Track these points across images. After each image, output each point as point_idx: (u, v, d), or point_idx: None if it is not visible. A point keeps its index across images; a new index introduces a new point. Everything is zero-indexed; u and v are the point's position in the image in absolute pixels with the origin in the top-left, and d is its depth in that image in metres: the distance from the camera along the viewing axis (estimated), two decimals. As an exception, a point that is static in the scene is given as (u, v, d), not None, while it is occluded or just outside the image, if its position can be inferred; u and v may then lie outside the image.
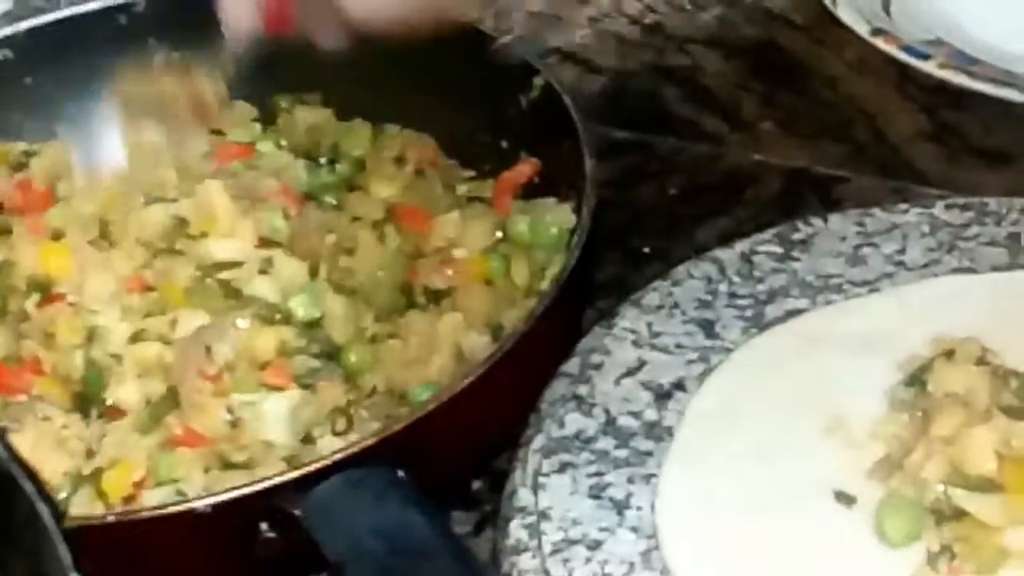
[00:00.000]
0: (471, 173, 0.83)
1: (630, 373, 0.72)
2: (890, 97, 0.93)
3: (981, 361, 0.66)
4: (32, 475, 0.44)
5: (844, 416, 0.68)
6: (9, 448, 0.45)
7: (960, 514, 0.62)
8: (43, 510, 0.43)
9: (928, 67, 0.89)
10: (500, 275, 0.77)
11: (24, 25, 0.89)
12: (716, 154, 0.90)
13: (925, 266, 0.75)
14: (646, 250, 0.85)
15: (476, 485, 0.73)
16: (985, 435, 0.63)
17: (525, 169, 0.81)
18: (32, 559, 0.44)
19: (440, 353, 0.73)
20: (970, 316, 0.70)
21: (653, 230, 0.86)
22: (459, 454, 0.69)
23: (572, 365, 0.73)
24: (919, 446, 0.64)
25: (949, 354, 0.67)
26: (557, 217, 0.78)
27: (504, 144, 0.82)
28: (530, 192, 0.81)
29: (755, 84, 0.95)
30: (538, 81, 0.81)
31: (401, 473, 0.63)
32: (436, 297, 0.77)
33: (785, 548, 0.63)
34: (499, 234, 0.79)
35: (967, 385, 0.65)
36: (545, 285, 0.74)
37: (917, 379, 0.67)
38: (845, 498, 0.65)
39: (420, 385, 0.72)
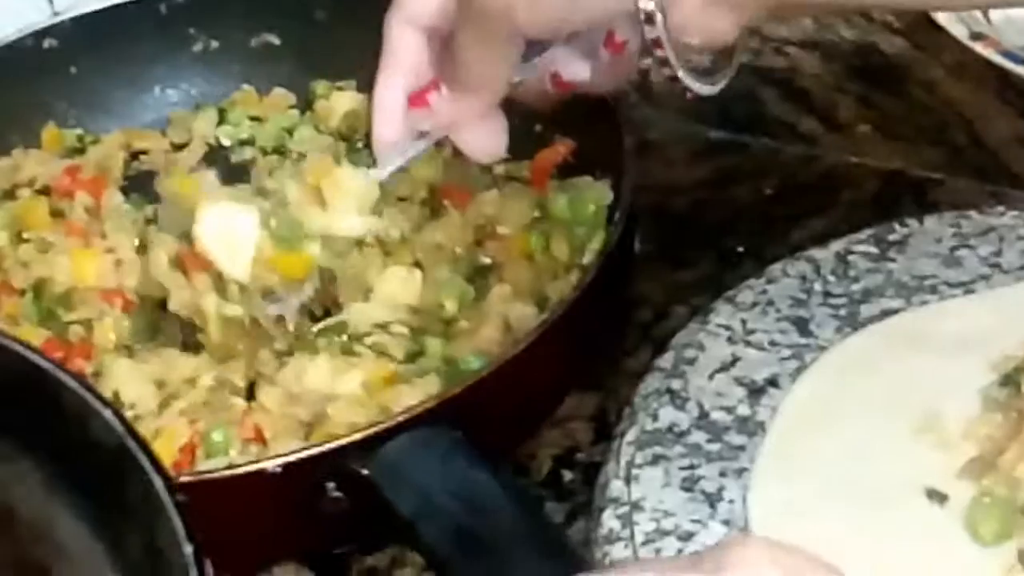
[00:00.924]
0: (506, 156, 0.85)
1: (724, 369, 0.73)
2: (988, 101, 0.93)
3: None
4: (147, 449, 0.46)
5: (937, 416, 0.68)
6: (124, 422, 0.46)
7: (1051, 514, 0.63)
8: (158, 483, 0.45)
9: (1027, 72, 0.89)
10: (541, 251, 0.79)
11: (70, 14, 0.92)
12: (812, 155, 0.91)
13: (1021, 268, 0.75)
14: (740, 249, 0.85)
15: (568, 476, 0.74)
16: None
17: (561, 149, 0.83)
18: (147, 532, 0.45)
19: (488, 325, 0.74)
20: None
21: (748, 230, 0.86)
22: (510, 419, 0.71)
23: (666, 360, 0.74)
24: (1012, 446, 0.64)
25: (1044, 355, 0.67)
26: (595, 194, 0.79)
27: (538, 128, 0.83)
28: (564, 174, 0.83)
29: (852, 86, 0.96)
30: None
31: (461, 434, 0.65)
32: (483, 273, 0.79)
33: (875, 545, 0.64)
34: (537, 213, 0.81)
35: None
36: (587, 260, 0.76)
37: (1011, 379, 0.68)
38: (937, 496, 0.65)
39: (471, 354, 0.73)
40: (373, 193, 0.73)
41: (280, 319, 0.74)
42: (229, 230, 0.71)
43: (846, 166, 0.90)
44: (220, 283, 0.72)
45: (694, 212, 0.89)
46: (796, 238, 0.85)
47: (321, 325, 0.74)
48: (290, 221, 0.72)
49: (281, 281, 0.72)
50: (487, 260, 0.80)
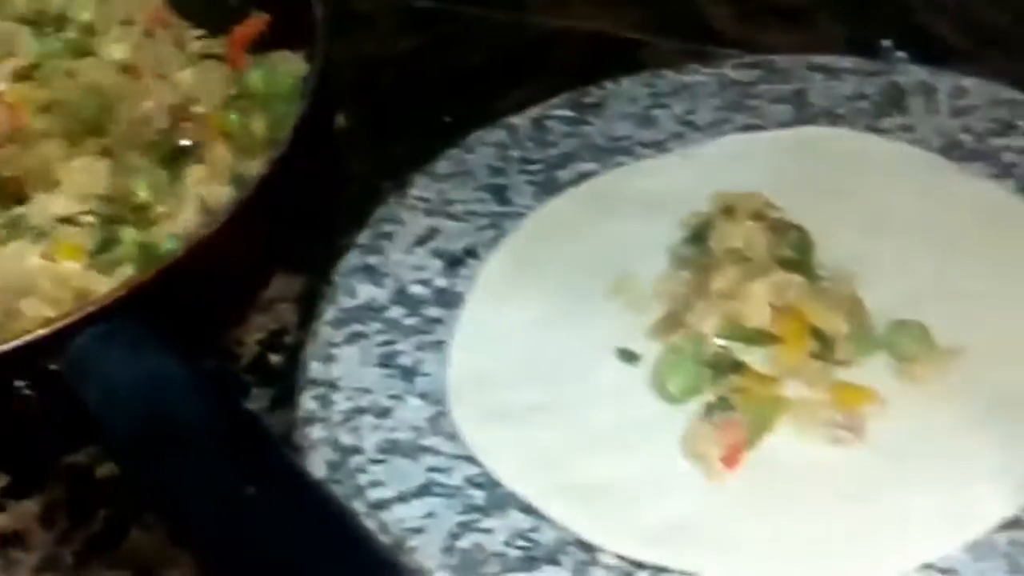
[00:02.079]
0: (202, 32, 0.83)
1: (422, 242, 0.72)
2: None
3: (760, 216, 0.67)
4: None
5: (630, 276, 0.68)
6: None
7: (738, 367, 0.63)
8: None
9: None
10: (240, 129, 0.77)
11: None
12: (518, 22, 0.90)
13: (713, 125, 0.75)
14: (449, 120, 0.84)
15: (275, 360, 0.73)
16: (760, 288, 0.64)
17: (256, 23, 0.81)
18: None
19: (186, 208, 0.73)
20: (755, 172, 0.71)
21: (457, 100, 0.85)
22: (211, 304, 0.70)
23: (364, 236, 0.73)
24: (699, 302, 0.65)
25: (729, 210, 0.68)
26: (290, 67, 0.78)
27: (233, 2, 0.82)
28: (265, 47, 0.81)
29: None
30: None
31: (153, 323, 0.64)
32: (180, 154, 0.76)
33: (569, 408, 0.64)
34: (234, 91, 0.79)
35: (746, 240, 0.66)
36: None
37: (699, 236, 0.68)
38: (628, 356, 0.65)
39: (168, 240, 0.72)
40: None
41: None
42: None
43: (553, 31, 0.89)
44: None
45: (402, 84, 0.87)
46: (505, 106, 0.84)
47: (1, 220, 0.72)
48: None
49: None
50: (185, 142, 0.78)
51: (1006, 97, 0.74)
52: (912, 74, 0.76)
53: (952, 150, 0.72)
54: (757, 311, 0.64)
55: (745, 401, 0.62)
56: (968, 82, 0.75)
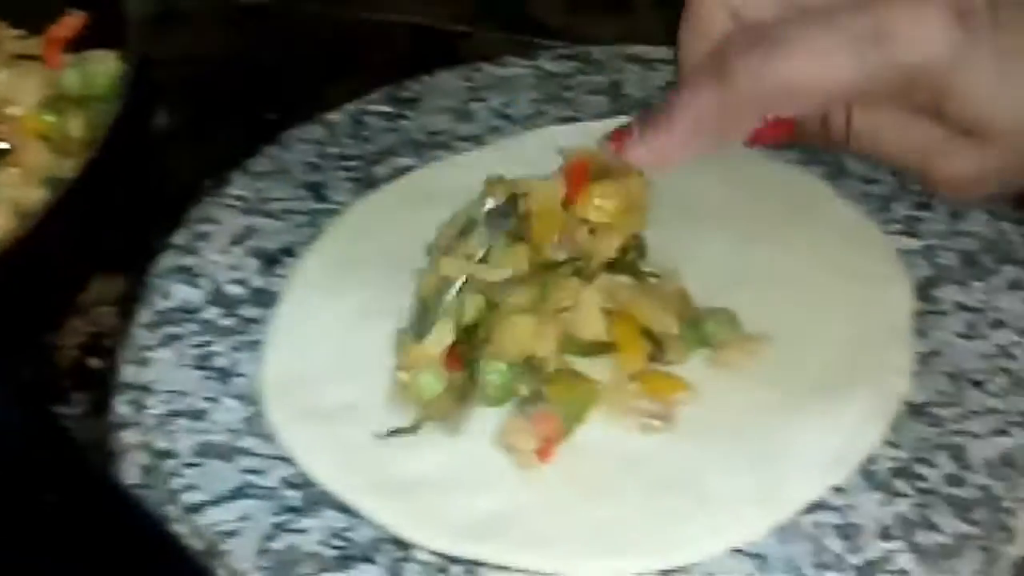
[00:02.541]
0: (20, 32, 0.81)
1: (238, 241, 0.71)
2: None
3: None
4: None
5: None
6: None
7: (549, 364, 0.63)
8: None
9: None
10: (56, 130, 0.76)
11: None
12: (339, 16, 0.89)
13: (530, 118, 0.76)
14: (272, 117, 0.84)
15: (95, 364, 0.72)
16: (591, 296, 0.63)
17: (72, 22, 0.80)
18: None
19: (1, 212, 0.72)
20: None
21: (278, 96, 0.85)
22: (25, 308, 0.69)
23: (180, 237, 0.72)
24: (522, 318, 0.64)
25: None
26: (106, 66, 0.77)
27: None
28: (82, 47, 0.80)
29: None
30: None
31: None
32: None
33: (384, 405, 0.64)
34: (51, 91, 0.78)
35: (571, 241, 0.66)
36: None
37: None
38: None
39: None
40: None
41: None
42: None
43: (375, 24, 0.89)
44: None
45: (224, 81, 0.87)
46: (328, 101, 0.83)
47: None
48: None
49: None
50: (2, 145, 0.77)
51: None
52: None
53: (762, 137, 0.73)
54: (591, 321, 0.63)
55: (557, 394, 0.62)
56: (779, 70, 0.76)
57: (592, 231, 0.66)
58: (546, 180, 0.65)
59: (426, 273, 0.65)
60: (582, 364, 0.63)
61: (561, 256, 0.64)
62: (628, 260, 0.66)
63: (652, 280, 0.65)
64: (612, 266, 0.65)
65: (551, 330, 0.63)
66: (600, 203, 0.64)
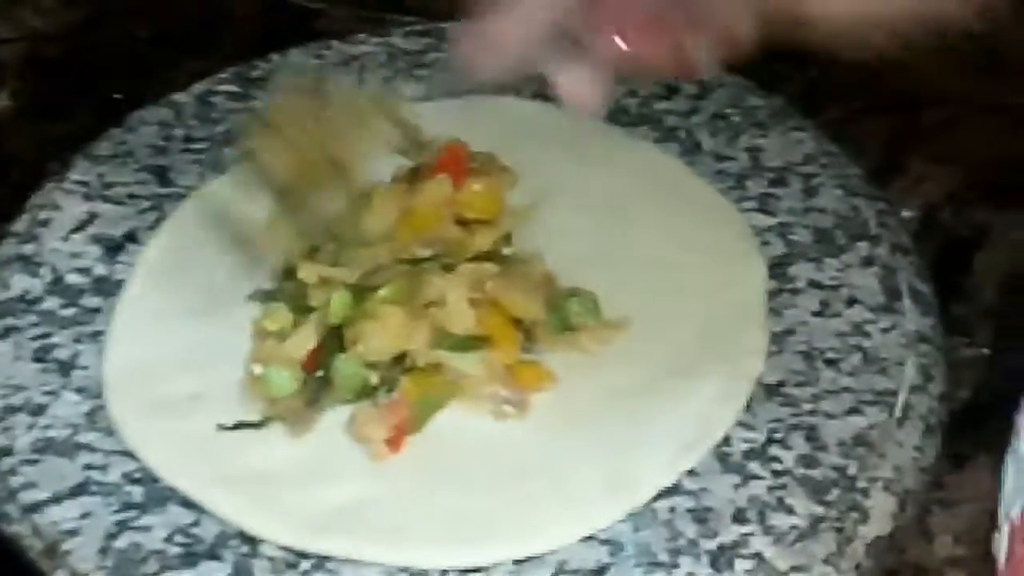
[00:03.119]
0: None
1: (80, 228, 0.69)
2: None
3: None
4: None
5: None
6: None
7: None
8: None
9: None
10: None
11: None
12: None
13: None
14: (118, 96, 0.81)
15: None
16: (458, 288, 0.62)
17: None
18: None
19: None
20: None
21: (126, 75, 0.82)
22: None
23: (20, 224, 0.70)
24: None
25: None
26: None
27: None
28: None
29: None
30: None
31: None
32: None
33: (229, 397, 0.62)
34: None
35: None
36: None
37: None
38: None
39: None
40: None
41: None
42: None
43: (229, 0, 0.86)
44: None
45: (68, 59, 0.84)
46: (178, 80, 0.81)
47: None
48: None
49: None
50: None
51: (671, 60, 0.74)
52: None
53: (617, 115, 0.72)
54: (460, 315, 0.61)
55: (411, 386, 0.61)
56: (634, 46, 0.75)
57: (463, 224, 0.65)
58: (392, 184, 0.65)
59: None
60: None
61: (426, 252, 0.63)
62: (494, 249, 0.65)
63: (516, 266, 0.64)
64: (477, 255, 0.64)
65: (421, 324, 0.61)
66: (478, 199, 0.64)
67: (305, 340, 0.61)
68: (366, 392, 0.61)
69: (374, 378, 0.61)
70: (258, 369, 0.61)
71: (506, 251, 0.65)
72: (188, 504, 0.59)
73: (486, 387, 0.61)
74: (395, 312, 0.61)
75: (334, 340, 0.61)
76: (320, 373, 0.61)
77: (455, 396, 0.61)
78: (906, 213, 0.72)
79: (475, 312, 0.62)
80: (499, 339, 0.62)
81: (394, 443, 0.60)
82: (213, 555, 0.57)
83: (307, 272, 0.62)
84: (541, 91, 0.73)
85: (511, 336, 0.62)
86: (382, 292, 0.61)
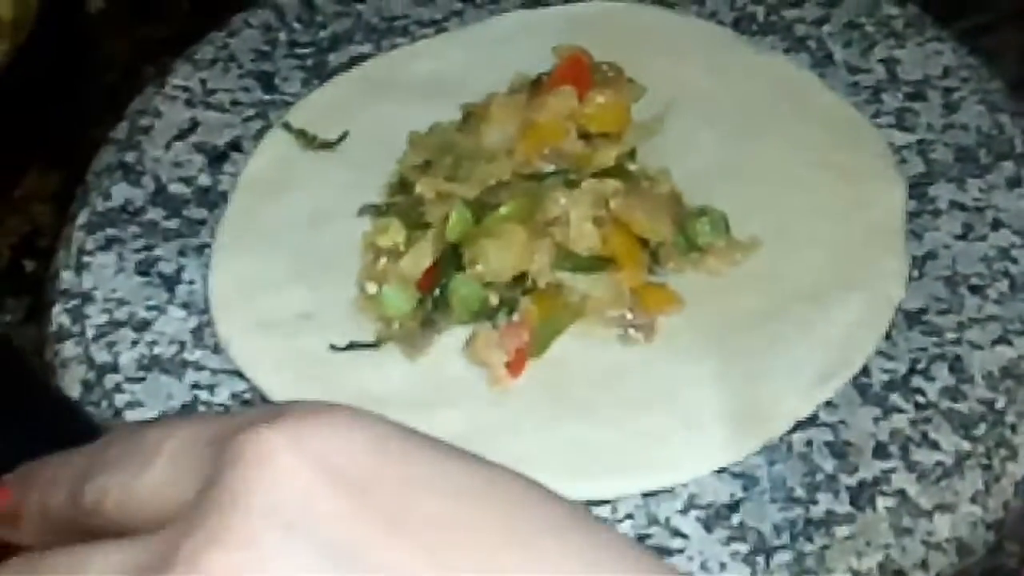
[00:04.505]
0: None
1: (182, 136, 0.66)
2: None
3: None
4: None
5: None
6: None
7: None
8: None
9: None
10: None
11: None
12: None
13: (495, 1, 0.70)
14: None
15: (30, 267, 0.68)
16: (583, 207, 0.58)
17: None
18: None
19: None
20: (540, 52, 0.66)
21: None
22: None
23: (120, 130, 0.67)
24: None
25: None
26: None
27: None
28: None
29: None
30: None
31: None
32: None
33: (341, 316, 0.59)
34: None
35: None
36: None
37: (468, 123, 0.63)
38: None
39: None
40: None
41: None
42: None
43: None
44: None
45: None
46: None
47: None
48: None
49: None
50: None
51: (800, -35, 0.71)
52: (703, -58, 0.72)
53: (744, 23, 0.68)
54: (584, 234, 0.58)
55: (533, 308, 0.58)
56: (761, -51, 0.71)
57: (586, 138, 0.62)
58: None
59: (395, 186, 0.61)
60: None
61: (548, 167, 0.60)
62: (619, 164, 0.61)
63: (643, 184, 0.61)
64: (601, 171, 0.61)
65: (543, 243, 0.58)
66: (602, 112, 0.61)
67: (421, 258, 0.59)
68: (485, 313, 0.58)
69: (493, 298, 0.58)
70: (372, 288, 0.59)
71: (631, 167, 0.61)
72: (300, 427, 0.56)
73: (611, 310, 0.58)
74: (516, 230, 0.58)
75: (451, 258, 0.58)
76: (436, 293, 0.58)
77: (578, 318, 0.58)
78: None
79: (599, 231, 0.59)
80: (624, 260, 0.59)
81: (515, 367, 0.57)
82: (326, 481, 0.55)
83: (425, 186, 0.59)
84: (662, -3, 0.70)
85: (637, 257, 0.59)
86: (503, 210, 0.58)
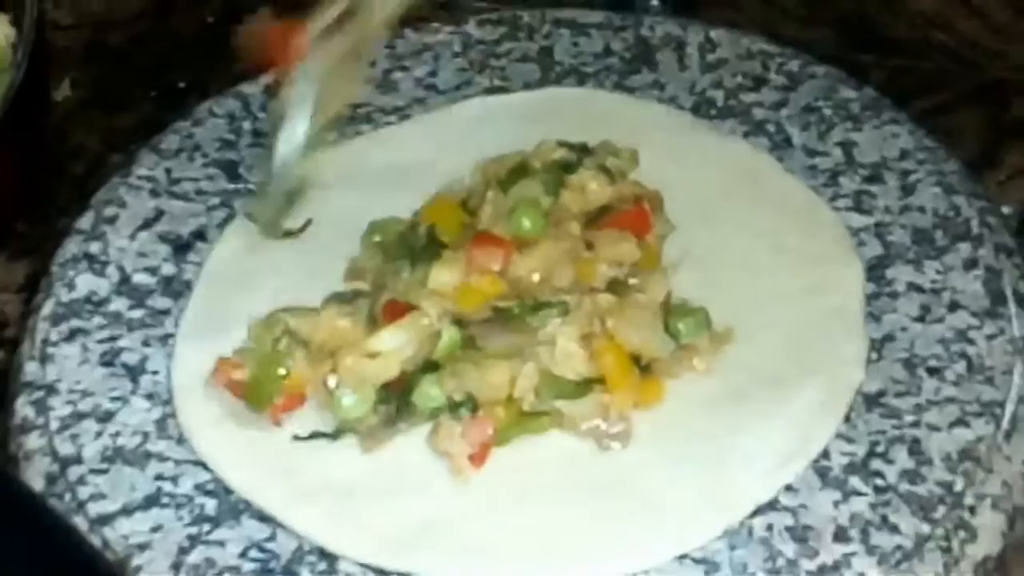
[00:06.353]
0: None
1: (147, 225, 0.67)
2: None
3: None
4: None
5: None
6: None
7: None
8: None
9: None
10: None
11: None
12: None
13: (457, 88, 0.71)
14: (182, 85, 0.79)
15: (-2, 356, 0.68)
16: (572, 334, 0.58)
17: None
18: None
19: None
20: (502, 138, 0.67)
21: (190, 64, 0.80)
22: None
23: (85, 221, 0.67)
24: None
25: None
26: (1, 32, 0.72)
27: None
28: None
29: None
30: None
31: None
32: None
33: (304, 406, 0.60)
34: None
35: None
36: None
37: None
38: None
39: None
40: None
41: None
42: None
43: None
44: None
45: (131, 48, 0.82)
46: (241, 69, 0.79)
47: None
48: None
49: None
50: None
51: (757, 48, 0.71)
52: (661, 27, 0.73)
53: (703, 108, 0.69)
54: (570, 355, 0.58)
55: (507, 422, 0.57)
56: (717, 34, 0.72)
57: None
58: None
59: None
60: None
61: (545, 292, 0.60)
62: (614, 278, 0.61)
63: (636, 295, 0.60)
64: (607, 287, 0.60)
65: (527, 369, 0.57)
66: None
67: (390, 365, 0.58)
68: (450, 408, 0.58)
69: (458, 392, 0.58)
70: (332, 382, 0.59)
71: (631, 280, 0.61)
72: (263, 518, 0.57)
73: (589, 422, 0.58)
74: (500, 365, 0.57)
75: (427, 372, 0.58)
76: (402, 395, 0.58)
77: (553, 429, 0.58)
78: (1005, 209, 0.69)
79: (588, 350, 0.58)
80: (616, 383, 0.58)
81: (478, 460, 0.57)
82: (290, 571, 0.55)
83: (425, 299, 0.59)
84: (621, 83, 0.71)
85: (629, 379, 0.58)
86: (490, 349, 0.58)
